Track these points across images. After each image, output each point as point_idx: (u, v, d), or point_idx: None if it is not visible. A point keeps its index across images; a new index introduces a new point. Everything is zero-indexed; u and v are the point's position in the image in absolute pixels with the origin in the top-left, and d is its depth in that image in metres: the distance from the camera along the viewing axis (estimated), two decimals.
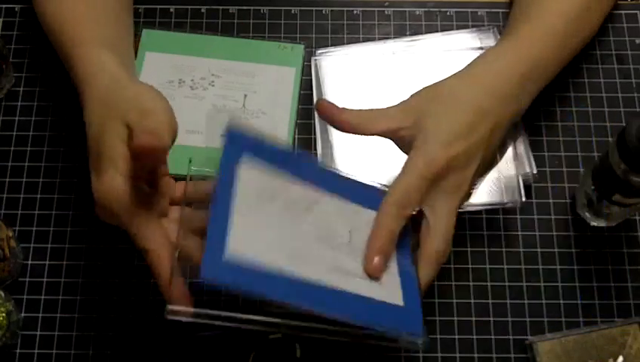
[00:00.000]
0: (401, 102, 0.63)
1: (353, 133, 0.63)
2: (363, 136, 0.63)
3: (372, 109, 0.63)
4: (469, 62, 0.65)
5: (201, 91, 0.74)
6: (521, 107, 0.65)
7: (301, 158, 0.65)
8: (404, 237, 0.61)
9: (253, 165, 0.60)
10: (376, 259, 0.58)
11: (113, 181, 0.56)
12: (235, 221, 0.56)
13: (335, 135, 0.71)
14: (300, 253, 0.57)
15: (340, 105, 0.63)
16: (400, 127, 0.61)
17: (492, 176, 0.69)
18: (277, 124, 0.73)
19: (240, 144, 0.60)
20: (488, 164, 0.66)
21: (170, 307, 0.54)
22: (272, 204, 0.59)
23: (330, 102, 0.64)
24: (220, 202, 0.56)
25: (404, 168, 0.60)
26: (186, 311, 0.54)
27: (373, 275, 0.58)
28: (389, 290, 0.58)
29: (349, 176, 0.65)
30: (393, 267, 0.59)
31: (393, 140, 0.63)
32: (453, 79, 0.64)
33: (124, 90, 0.60)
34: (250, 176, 0.59)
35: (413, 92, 0.63)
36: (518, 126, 0.70)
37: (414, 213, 0.60)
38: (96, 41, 0.65)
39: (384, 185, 0.63)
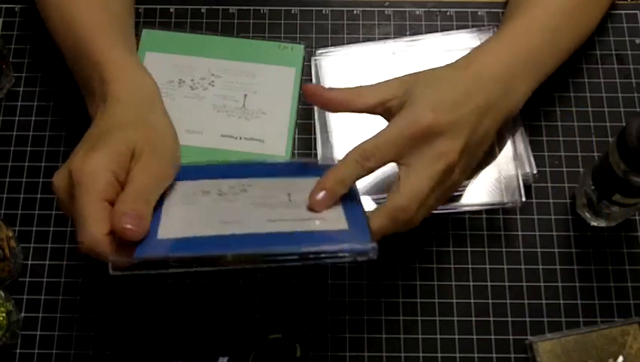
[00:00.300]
0: (392, 78, 0.63)
1: (343, 110, 0.63)
2: (354, 113, 0.63)
3: (360, 85, 0.63)
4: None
5: (201, 91, 0.74)
6: (514, 100, 0.65)
7: (233, 165, 0.65)
8: (354, 193, 0.60)
9: (182, 180, 0.61)
10: (320, 194, 0.58)
11: (99, 165, 0.55)
12: (165, 213, 0.56)
13: (335, 135, 0.71)
14: (235, 219, 0.56)
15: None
16: (391, 97, 0.61)
17: (492, 176, 0.69)
18: (277, 124, 0.73)
19: None
20: (485, 155, 0.65)
21: (111, 257, 0.52)
22: (204, 197, 0.59)
23: (315, 85, 0.63)
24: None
25: (387, 125, 0.60)
26: (130, 260, 0.52)
27: (315, 208, 0.57)
28: (333, 222, 0.57)
29: (295, 161, 0.66)
30: (339, 210, 0.59)
31: (383, 115, 0.62)
32: (445, 66, 0.64)
33: (151, 113, 0.62)
34: (180, 184, 0.60)
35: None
36: (516, 120, 0.70)
37: (380, 167, 0.59)
38: (124, 46, 0.66)
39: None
